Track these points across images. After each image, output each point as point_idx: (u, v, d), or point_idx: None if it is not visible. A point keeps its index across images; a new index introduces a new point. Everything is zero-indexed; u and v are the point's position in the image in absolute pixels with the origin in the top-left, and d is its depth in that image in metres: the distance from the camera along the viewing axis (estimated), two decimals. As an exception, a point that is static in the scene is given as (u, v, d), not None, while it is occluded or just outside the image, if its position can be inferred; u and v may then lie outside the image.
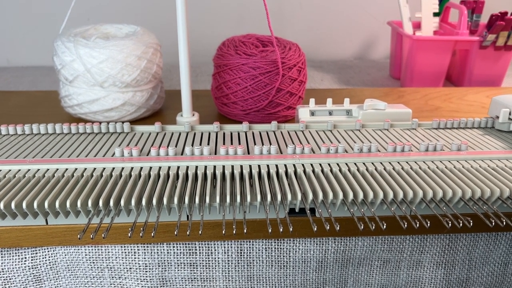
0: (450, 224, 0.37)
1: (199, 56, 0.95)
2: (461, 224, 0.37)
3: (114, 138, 0.50)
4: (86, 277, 0.45)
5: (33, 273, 0.44)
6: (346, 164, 0.43)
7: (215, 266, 0.45)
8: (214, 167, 0.42)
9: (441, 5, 0.91)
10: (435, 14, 0.89)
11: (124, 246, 0.43)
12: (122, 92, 0.60)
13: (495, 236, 0.47)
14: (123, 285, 0.45)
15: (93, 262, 0.44)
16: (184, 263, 0.45)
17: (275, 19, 1.10)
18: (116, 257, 0.44)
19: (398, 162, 0.44)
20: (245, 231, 0.36)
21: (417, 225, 0.36)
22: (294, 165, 0.43)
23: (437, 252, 0.46)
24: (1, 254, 0.43)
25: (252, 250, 0.45)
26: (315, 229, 0.35)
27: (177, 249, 0.44)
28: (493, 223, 0.37)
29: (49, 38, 0.68)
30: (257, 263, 0.45)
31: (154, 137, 0.50)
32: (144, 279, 0.45)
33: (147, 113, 0.64)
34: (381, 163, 0.44)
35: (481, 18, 0.89)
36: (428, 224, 0.36)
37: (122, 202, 0.36)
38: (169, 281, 0.45)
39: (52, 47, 0.61)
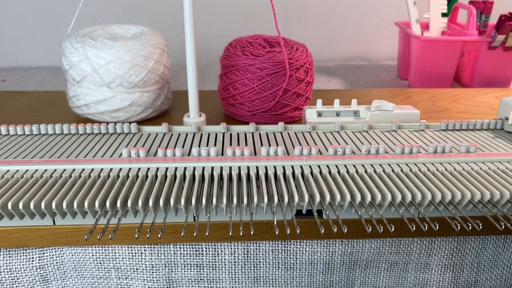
0: (459, 227, 0.36)
1: (206, 56, 0.95)
2: (470, 227, 0.36)
3: (121, 139, 0.50)
4: (93, 277, 0.45)
5: (40, 273, 0.44)
6: (354, 165, 0.43)
7: (222, 267, 0.45)
8: (221, 168, 0.42)
9: (449, 6, 0.90)
10: (444, 15, 0.88)
11: (131, 247, 0.43)
12: (129, 93, 0.60)
13: (504, 239, 0.46)
14: (130, 285, 0.45)
15: (100, 263, 0.44)
16: (190, 264, 0.44)
17: (282, 20, 1.09)
18: (122, 258, 0.44)
19: (406, 164, 0.43)
20: (252, 232, 0.35)
21: (426, 227, 0.35)
22: (301, 166, 0.42)
23: (445, 254, 0.46)
24: (9, 254, 0.43)
25: (259, 251, 0.44)
26: (323, 231, 0.35)
27: (184, 250, 0.44)
28: (503, 226, 0.37)
29: (57, 39, 0.68)
30: (263, 264, 0.45)
31: (161, 137, 0.50)
32: (150, 280, 0.45)
33: (154, 113, 0.64)
34: (389, 165, 0.43)
35: (490, 19, 0.88)
36: (437, 227, 0.36)
37: (129, 203, 0.36)
38: (176, 282, 0.45)
39: (60, 47, 0.61)
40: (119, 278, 0.45)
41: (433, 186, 0.39)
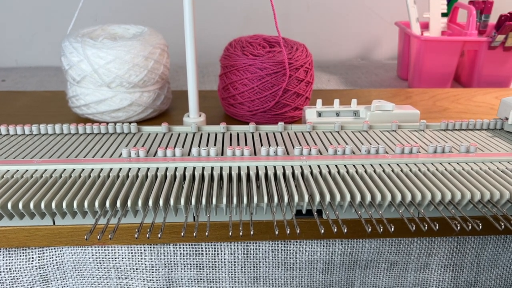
0: (459, 227, 0.36)
1: (206, 56, 0.95)
2: (470, 227, 0.36)
3: (121, 139, 0.50)
4: (93, 277, 0.45)
5: (40, 273, 0.44)
6: (354, 165, 0.43)
7: (222, 267, 0.45)
8: (221, 168, 0.42)
9: (449, 6, 0.90)
10: (443, 15, 0.88)
11: (131, 247, 0.43)
12: (129, 93, 0.60)
13: (503, 239, 0.46)
14: (130, 285, 0.45)
15: (100, 263, 0.44)
16: (190, 264, 0.44)
17: (282, 20, 1.09)
18: (122, 258, 0.44)
19: (406, 164, 0.43)
20: (251, 232, 0.35)
21: (425, 227, 0.35)
22: (301, 166, 0.42)
23: (445, 254, 0.46)
24: (9, 254, 0.43)
25: (259, 251, 0.44)
26: (322, 231, 0.35)
27: (184, 250, 0.44)
28: (503, 226, 0.37)
29: (57, 39, 0.68)
30: (263, 264, 0.45)
31: (161, 137, 0.50)
32: (150, 280, 0.45)
33: (154, 113, 0.64)
34: (388, 165, 0.43)
35: (490, 19, 0.88)
36: (437, 227, 0.36)
37: (129, 203, 0.36)
38: (175, 282, 0.45)
39: (60, 47, 0.61)
40: (119, 278, 0.45)
41: (433, 186, 0.39)
